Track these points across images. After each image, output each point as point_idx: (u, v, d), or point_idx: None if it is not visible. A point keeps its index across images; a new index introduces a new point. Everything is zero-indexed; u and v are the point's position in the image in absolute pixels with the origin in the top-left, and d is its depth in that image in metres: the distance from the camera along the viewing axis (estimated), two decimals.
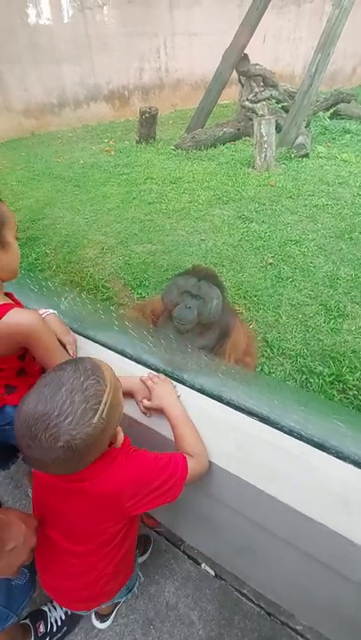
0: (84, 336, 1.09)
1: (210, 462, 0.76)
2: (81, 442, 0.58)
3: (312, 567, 0.81)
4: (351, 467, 0.68)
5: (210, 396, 0.83)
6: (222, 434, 0.80)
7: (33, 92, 6.93)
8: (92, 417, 0.59)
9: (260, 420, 0.77)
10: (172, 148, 5.46)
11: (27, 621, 1.16)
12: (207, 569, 1.34)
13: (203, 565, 1.35)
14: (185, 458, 0.73)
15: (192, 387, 0.86)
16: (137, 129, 5.85)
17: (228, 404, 0.81)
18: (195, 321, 1.43)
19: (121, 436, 0.71)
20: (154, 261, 3.08)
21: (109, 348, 1.03)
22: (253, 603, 1.26)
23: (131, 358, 0.96)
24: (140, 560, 1.31)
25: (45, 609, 1.20)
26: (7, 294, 0.95)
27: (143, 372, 0.94)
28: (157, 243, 3.34)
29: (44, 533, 0.79)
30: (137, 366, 0.96)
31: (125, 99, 8.13)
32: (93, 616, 1.23)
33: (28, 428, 0.58)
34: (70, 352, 1.00)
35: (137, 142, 5.87)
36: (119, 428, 0.71)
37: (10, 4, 6.05)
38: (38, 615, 1.18)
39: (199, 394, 0.84)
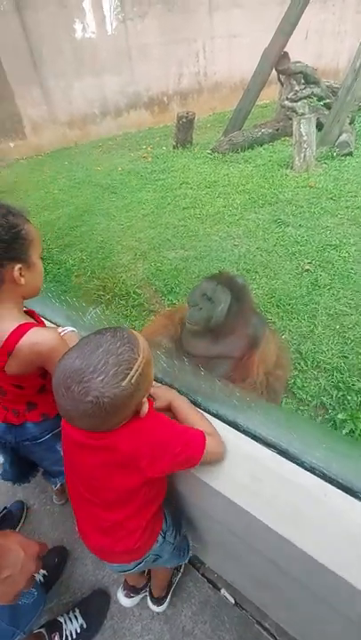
0: None
1: (222, 495, 0.71)
2: (108, 400, 0.62)
3: (336, 617, 0.72)
4: None
5: (223, 421, 0.77)
6: (236, 462, 0.74)
7: (76, 103, 7.23)
8: (121, 380, 0.63)
9: (279, 453, 0.70)
10: (209, 151, 5.42)
11: (42, 630, 1.17)
12: (227, 595, 1.27)
13: (222, 591, 1.28)
14: (203, 432, 0.76)
15: (206, 410, 0.81)
16: (174, 134, 5.88)
17: (245, 432, 0.75)
18: (202, 322, 1.42)
19: (146, 407, 0.73)
20: (185, 267, 3.05)
21: None
22: (275, 639, 1.17)
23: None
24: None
25: (61, 620, 1.20)
26: (29, 312, 0.96)
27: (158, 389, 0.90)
28: (190, 248, 3.31)
29: (75, 489, 0.84)
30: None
31: (164, 104, 8.23)
32: (149, 600, 1.26)
33: (64, 379, 0.63)
34: None
35: (174, 147, 5.90)
36: (145, 400, 0.73)
37: (56, 22, 6.36)
38: (54, 626, 1.18)
39: (212, 417, 0.79)
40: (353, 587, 0.58)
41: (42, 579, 1.31)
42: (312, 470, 0.66)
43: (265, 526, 0.66)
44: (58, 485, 1.19)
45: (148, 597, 1.27)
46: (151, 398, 0.85)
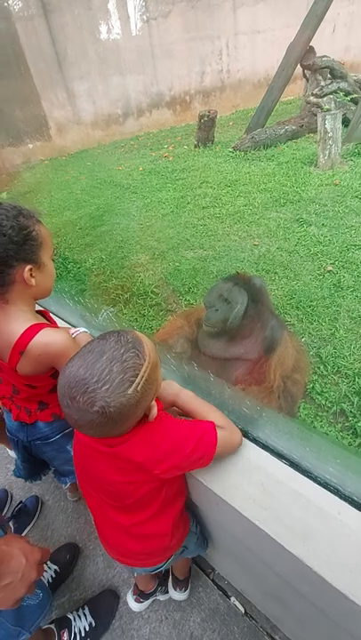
0: None
1: (231, 506, 0.68)
2: (115, 409, 0.61)
3: (347, 638, 0.69)
4: None
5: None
6: (246, 473, 0.71)
7: (100, 104, 7.32)
8: (127, 388, 0.62)
9: (291, 465, 0.67)
10: (230, 150, 5.36)
11: (51, 626, 1.18)
12: (236, 604, 1.25)
13: (232, 600, 1.26)
14: (214, 424, 0.75)
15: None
16: (195, 133, 5.84)
17: (255, 440, 0.72)
18: (219, 324, 1.40)
19: (155, 411, 0.72)
20: (204, 267, 3.02)
21: None
22: None
23: None
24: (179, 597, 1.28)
25: (71, 617, 1.21)
26: (42, 312, 0.96)
27: None
28: (208, 248, 3.28)
29: (91, 492, 0.84)
30: None
31: (187, 103, 8.21)
32: (171, 586, 1.27)
33: (68, 389, 0.61)
34: None
35: (195, 146, 5.87)
36: (154, 403, 0.72)
37: (82, 24, 6.46)
38: (63, 622, 1.20)
39: None
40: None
41: (53, 574, 1.33)
42: (326, 486, 0.63)
43: (273, 541, 0.63)
44: (68, 484, 1.19)
45: (171, 583, 1.27)
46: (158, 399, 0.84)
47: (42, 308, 1.02)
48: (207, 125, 5.57)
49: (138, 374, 0.62)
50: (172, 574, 1.28)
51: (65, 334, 0.86)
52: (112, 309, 1.27)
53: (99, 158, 6.47)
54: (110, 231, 3.86)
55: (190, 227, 3.65)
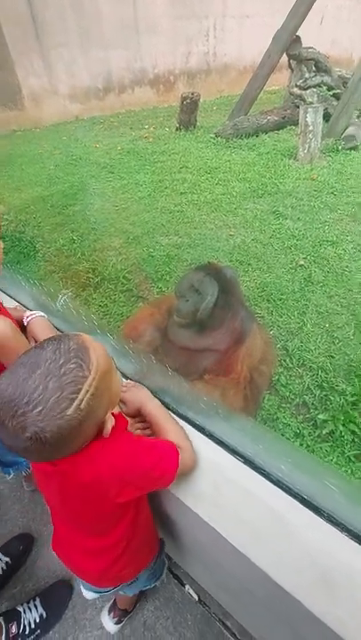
0: None
1: (183, 503, 0.66)
2: (51, 434, 0.51)
3: (289, 631, 0.70)
4: (343, 536, 0.56)
5: (189, 424, 0.73)
6: (200, 470, 0.69)
7: (79, 76, 6.93)
8: (66, 407, 0.52)
9: (245, 463, 0.66)
10: (212, 135, 5.26)
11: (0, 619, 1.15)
12: (191, 592, 1.26)
13: (187, 588, 1.27)
14: (174, 446, 0.69)
15: (175, 412, 0.76)
16: (177, 115, 5.68)
17: (211, 436, 0.70)
18: (190, 315, 1.40)
19: (109, 426, 0.62)
20: (178, 255, 2.97)
21: None
22: (236, 638, 1.16)
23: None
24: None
25: (20, 609, 1.18)
26: None
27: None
28: (184, 235, 3.22)
29: (52, 508, 0.78)
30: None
31: (170, 83, 7.95)
32: (107, 614, 1.18)
33: None
34: None
35: (177, 129, 5.71)
36: (109, 416, 0.63)
37: None
38: (12, 615, 1.16)
39: (178, 418, 0.74)
40: (306, 609, 0.54)
41: (4, 566, 1.28)
42: (278, 484, 0.62)
43: (223, 539, 0.62)
44: (12, 474, 1.14)
45: (107, 609, 1.19)
46: (119, 408, 0.77)
47: None
48: (189, 108, 5.42)
49: (80, 389, 0.53)
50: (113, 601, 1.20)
51: (4, 324, 0.78)
52: (69, 293, 1.20)
53: (75, 133, 6.17)
54: (83, 211, 3.71)
55: (167, 212, 3.57)
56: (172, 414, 0.78)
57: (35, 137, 6.17)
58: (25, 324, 0.94)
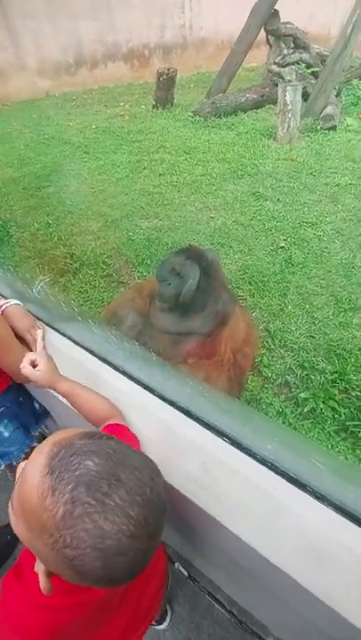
0: (56, 330, 0.96)
1: (172, 487, 0.66)
2: None
3: (278, 601, 0.72)
4: (330, 511, 0.57)
5: (175, 407, 0.72)
6: (187, 452, 0.69)
7: (48, 49, 6.52)
8: None
9: (231, 444, 0.66)
10: (190, 114, 5.11)
11: None
12: (181, 569, 1.29)
13: (176, 565, 1.29)
14: (124, 427, 0.69)
15: (160, 396, 0.75)
16: (154, 92, 5.48)
17: (197, 419, 0.70)
18: (172, 299, 1.40)
19: None
20: (158, 238, 2.91)
21: (81, 346, 0.91)
22: (226, 609, 1.20)
23: (98, 357, 0.85)
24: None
25: None
26: None
27: (110, 374, 0.83)
28: (164, 218, 3.16)
29: None
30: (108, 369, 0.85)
31: (145, 58, 7.62)
32: None
33: None
34: (34, 350, 0.89)
35: (153, 107, 5.52)
36: None
37: None
38: None
39: (162, 402, 0.73)
40: (295, 581, 0.56)
41: None
42: (264, 462, 0.62)
43: (212, 518, 0.63)
44: (2, 466, 1.12)
45: None
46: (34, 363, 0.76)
47: None
48: (166, 85, 5.24)
49: None
50: None
51: None
52: (46, 279, 1.15)
53: (46, 111, 5.86)
54: (58, 193, 3.57)
55: (146, 194, 3.48)
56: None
57: (2, 115, 5.83)
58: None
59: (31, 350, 0.89)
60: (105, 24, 6.82)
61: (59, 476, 0.41)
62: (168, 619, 1.22)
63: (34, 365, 0.76)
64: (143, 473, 0.45)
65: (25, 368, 0.76)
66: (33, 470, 0.43)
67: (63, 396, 0.76)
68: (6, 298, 0.93)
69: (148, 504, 0.43)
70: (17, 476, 0.49)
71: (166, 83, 5.22)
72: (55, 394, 0.77)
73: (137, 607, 0.76)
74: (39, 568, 0.47)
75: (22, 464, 0.49)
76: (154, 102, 5.51)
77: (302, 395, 1.84)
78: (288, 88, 4.01)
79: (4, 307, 0.88)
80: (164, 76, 5.13)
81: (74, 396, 0.75)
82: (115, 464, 0.43)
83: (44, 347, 0.89)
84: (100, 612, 0.62)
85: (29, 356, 0.77)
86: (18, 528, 0.46)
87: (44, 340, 0.89)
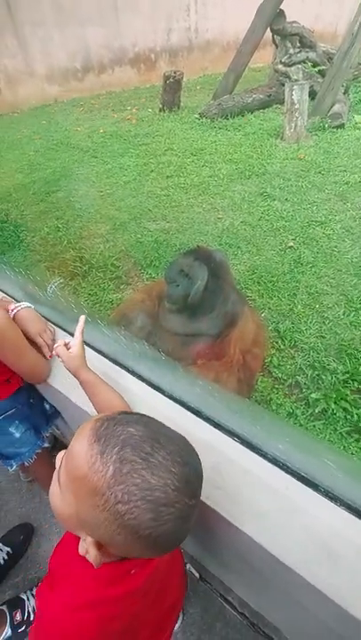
0: (67, 331, 0.97)
1: None
2: None
3: (291, 603, 0.72)
4: (342, 510, 0.57)
5: (185, 407, 0.72)
6: (200, 455, 0.69)
7: (56, 56, 6.62)
8: None
9: (242, 444, 0.66)
10: (197, 116, 5.13)
11: (3, 607, 1.16)
12: (192, 570, 1.28)
13: (188, 566, 1.29)
14: None
15: (171, 397, 0.75)
16: (160, 95, 5.51)
17: (208, 419, 0.70)
18: (181, 300, 1.39)
19: None
20: (166, 240, 2.93)
21: (91, 347, 0.92)
22: (237, 611, 1.20)
23: (108, 357, 0.86)
24: None
25: (24, 597, 1.19)
26: None
27: (120, 374, 0.84)
28: (172, 220, 3.17)
29: None
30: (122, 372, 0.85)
31: (152, 62, 7.68)
32: None
33: None
34: (47, 354, 0.91)
35: (160, 110, 5.55)
36: None
37: None
38: (16, 603, 1.17)
39: (173, 402, 0.74)
40: (307, 581, 0.55)
41: (5, 556, 1.29)
42: (275, 462, 0.62)
43: (224, 519, 0.63)
44: (15, 467, 1.13)
45: None
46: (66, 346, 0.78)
47: None
48: (173, 87, 5.26)
49: None
50: None
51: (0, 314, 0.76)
52: (58, 282, 1.16)
53: (55, 117, 5.95)
54: (67, 198, 3.61)
55: (153, 196, 3.50)
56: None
57: (12, 122, 5.94)
58: (11, 316, 0.91)
59: (42, 353, 0.90)
60: (112, 29, 6.90)
61: (105, 441, 0.46)
62: (180, 620, 1.21)
63: (67, 348, 0.79)
64: (178, 439, 0.51)
65: (59, 347, 0.78)
66: (80, 443, 0.47)
67: (83, 386, 0.77)
68: (18, 301, 0.95)
69: (186, 465, 0.48)
70: (58, 463, 0.53)
71: (173, 86, 5.24)
72: (67, 395, 0.78)
73: (162, 606, 0.77)
74: (87, 543, 0.49)
75: (62, 452, 0.53)
76: (161, 105, 5.54)
77: (313, 395, 1.82)
78: (295, 87, 3.99)
79: (15, 310, 0.89)
80: (171, 79, 5.16)
81: (94, 387, 0.76)
82: (153, 431, 0.48)
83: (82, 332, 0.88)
84: (142, 607, 0.63)
85: (66, 339, 0.80)
86: (64, 503, 0.49)
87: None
